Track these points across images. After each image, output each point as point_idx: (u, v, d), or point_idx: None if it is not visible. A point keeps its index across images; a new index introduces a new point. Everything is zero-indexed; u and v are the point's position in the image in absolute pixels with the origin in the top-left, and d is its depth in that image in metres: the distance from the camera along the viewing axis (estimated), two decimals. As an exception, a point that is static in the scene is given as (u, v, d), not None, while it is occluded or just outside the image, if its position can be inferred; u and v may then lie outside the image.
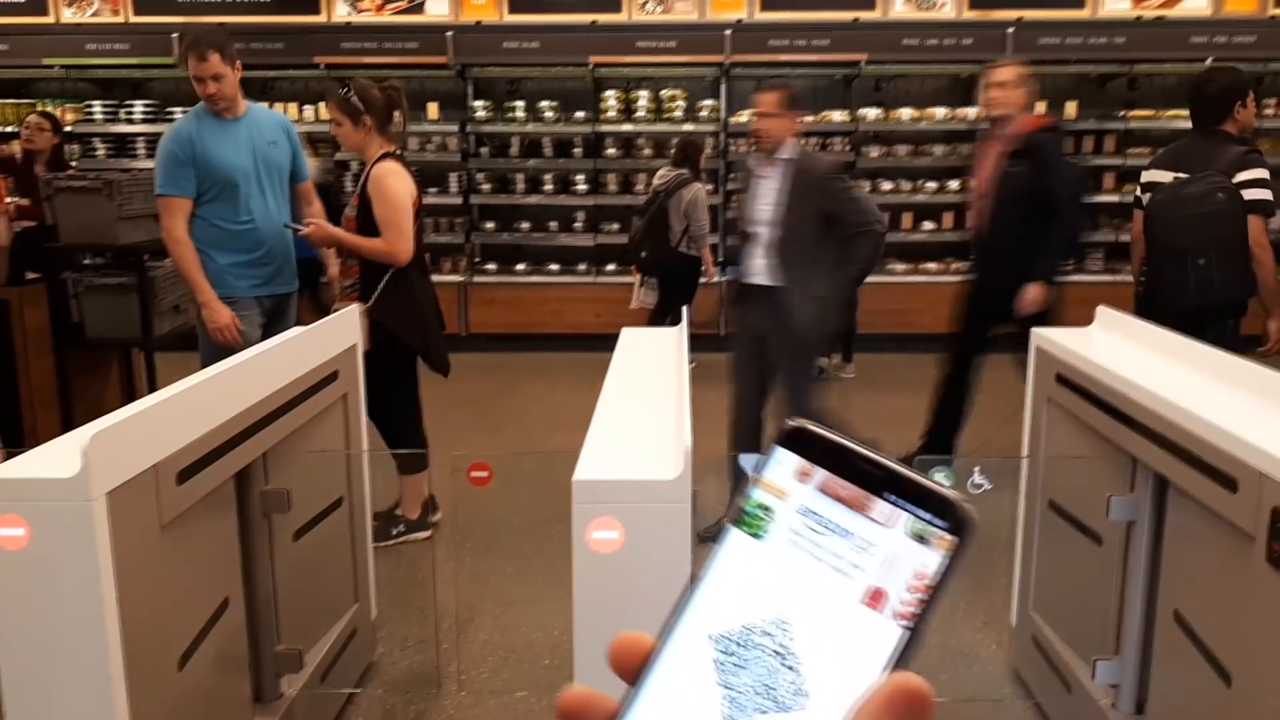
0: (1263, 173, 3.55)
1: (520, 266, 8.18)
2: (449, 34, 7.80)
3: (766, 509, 0.36)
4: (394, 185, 3.69)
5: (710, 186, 7.45)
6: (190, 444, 1.92)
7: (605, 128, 8.07)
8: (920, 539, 0.34)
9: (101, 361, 4.83)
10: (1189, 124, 3.66)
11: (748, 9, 7.97)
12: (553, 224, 8.25)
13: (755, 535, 0.36)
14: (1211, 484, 1.88)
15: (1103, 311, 2.87)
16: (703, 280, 6.61)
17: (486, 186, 8.23)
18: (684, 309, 3.36)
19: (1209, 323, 3.40)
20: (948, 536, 0.34)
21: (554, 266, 8.15)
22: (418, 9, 8.09)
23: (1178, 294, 3.56)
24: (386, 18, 8.09)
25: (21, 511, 1.63)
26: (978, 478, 2.33)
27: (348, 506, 2.86)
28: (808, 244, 3.87)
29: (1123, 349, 2.58)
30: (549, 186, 8.21)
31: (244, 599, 2.28)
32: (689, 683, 0.35)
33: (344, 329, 2.89)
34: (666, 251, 6.34)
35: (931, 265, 7.93)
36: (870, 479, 0.35)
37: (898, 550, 0.34)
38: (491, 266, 8.18)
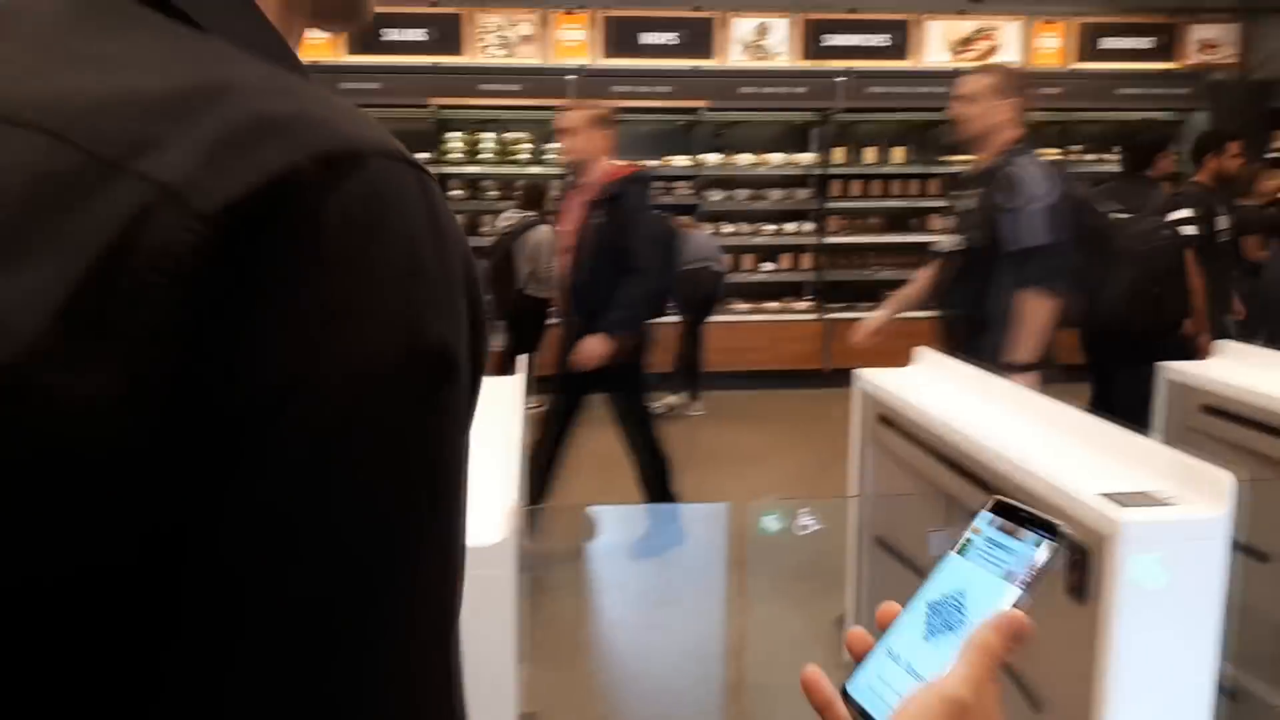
0: (1189, 212, 4.19)
1: (364, 310, 7.96)
2: (285, 74, 7.58)
3: (970, 541, 0.63)
4: None
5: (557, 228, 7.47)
6: None
7: (449, 169, 7.98)
8: (1037, 545, 0.60)
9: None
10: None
11: (591, 54, 8.08)
12: (398, 267, 8.09)
13: (962, 554, 0.62)
14: (1016, 520, 1.98)
15: (921, 351, 3.00)
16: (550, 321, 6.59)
17: (327, 229, 7.99)
18: (524, 357, 3.31)
19: (1159, 338, 3.92)
20: (1051, 542, 0.59)
21: (399, 310, 7.97)
22: (251, 47, 7.84)
23: (1138, 316, 4.01)
24: (218, 56, 7.81)
25: None
26: (804, 519, 2.37)
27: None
28: None
29: (939, 389, 2.70)
30: (393, 229, 8.05)
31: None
32: (912, 622, 0.61)
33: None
34: (513, 294, 6.30)
35: (772, 304, 8.16)
36: (1023, 519, 0.61)
37: (1026, 552, 0.60)
38: (334, 311, 7.93)
